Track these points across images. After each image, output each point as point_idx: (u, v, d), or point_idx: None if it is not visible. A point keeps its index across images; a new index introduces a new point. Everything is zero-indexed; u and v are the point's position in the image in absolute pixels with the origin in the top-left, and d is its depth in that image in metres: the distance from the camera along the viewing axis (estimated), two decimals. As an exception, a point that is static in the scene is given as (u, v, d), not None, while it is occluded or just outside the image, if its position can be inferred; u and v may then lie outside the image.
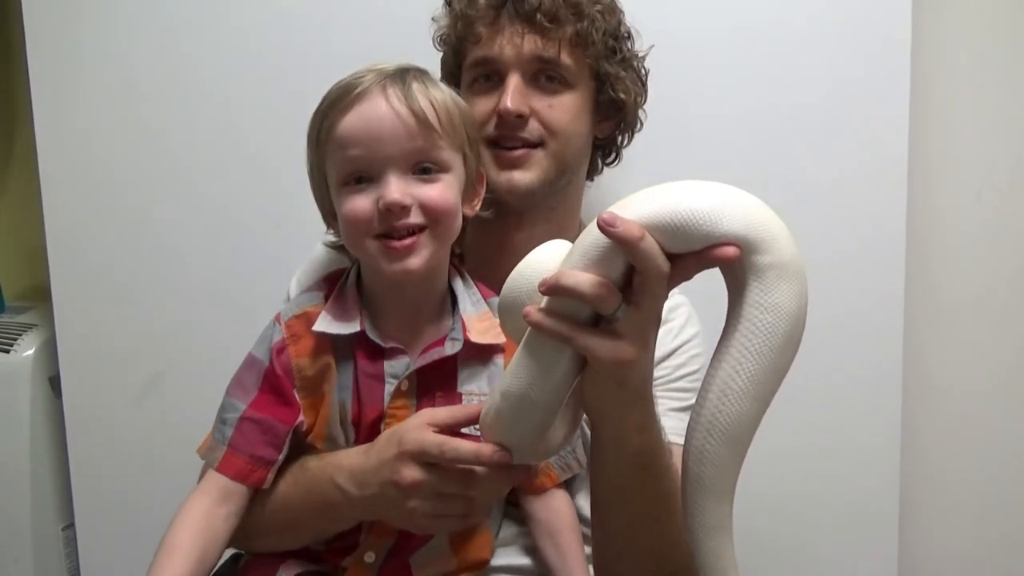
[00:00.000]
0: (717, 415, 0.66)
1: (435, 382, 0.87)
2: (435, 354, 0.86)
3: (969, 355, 1.36)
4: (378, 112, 0.81)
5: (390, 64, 0.85)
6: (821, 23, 1.24)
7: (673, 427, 0.88)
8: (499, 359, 0.88)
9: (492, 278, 0.91)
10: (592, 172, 1.08)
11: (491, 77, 0.97)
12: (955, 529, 1.40)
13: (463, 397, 0.87)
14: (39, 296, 1.56)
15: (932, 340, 1.35)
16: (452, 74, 1.03)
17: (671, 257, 0.64)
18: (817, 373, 1.19)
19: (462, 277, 0.93)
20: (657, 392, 0.80)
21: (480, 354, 0.88)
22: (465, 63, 1.00)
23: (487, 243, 0.99)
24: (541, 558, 0.91)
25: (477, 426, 0.76)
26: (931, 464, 1.38)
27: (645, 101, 1.05)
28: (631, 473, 0.78)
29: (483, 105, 0.97)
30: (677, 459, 0.82)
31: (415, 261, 0.82)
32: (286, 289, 1.06)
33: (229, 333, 1.32)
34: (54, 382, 1.46)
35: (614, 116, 1.03)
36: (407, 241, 0.82)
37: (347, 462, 0.83)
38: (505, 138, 0.96)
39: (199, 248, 1.36)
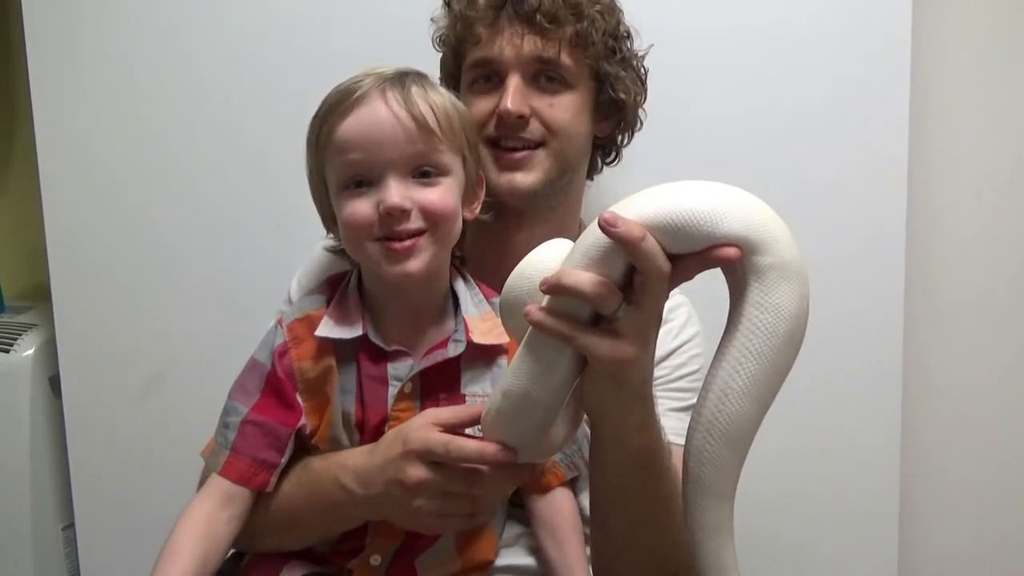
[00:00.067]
0: (717, 415, 0.66)
1: (439, 384, 0.87)
2: (438, 356, 0.86)
3: (969, 355, 1.36)
4: (378, 116, 0.81)
5: (389, 68, 0.85)
6: (821, 23, 1.24)
7: (673, 427, 0.88)
8: (503, 360, 0.88)
9: (493, 279, 0.91)
10: (592, 171, 1.08)
11: (491, 78, 0.97)
12: (955, 529, 1.40)
13: (467, 399, 0.87)
14: (39, 296, 1.55)
15: (932, 340, 1.35)
16: (451, 75, 1.03)
17: (672, 257, 0.64)
18: (817, 373, 1.19)
19: (464, 278, 0.93)
20: (657, 392, 0.80)
21: (483, 355, 0.88)
22: (465, 64, 1.00)
23: (488, 244, 0.99)
24: (542, 555, 0.91)
25: (479, 427, 0.76)
26: (931, 464, 1.38)
27: (645, 100, 1.05)
28: (631, 473, 0.78)
29: (483, 106, 0.96)
30: (677, 459, 0.81)
31: (415, 264, 0.82)
32: (286, 289, 1.06)
33: (229, 333, 1.33)
34: (54, 382, 1.46)
35: (614, 116, 1.03)
36: (408, 243, 0.82)
37: (352, 462, 0.83)
38: (506, 138, 0.96)
39: (199, 248, 1.36)
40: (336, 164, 0.84)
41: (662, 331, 0.71)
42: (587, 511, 0.89)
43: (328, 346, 0.86)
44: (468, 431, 0.79)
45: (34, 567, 1.47)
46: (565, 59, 0.95)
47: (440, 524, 0.82)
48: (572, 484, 0.92)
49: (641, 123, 1.06)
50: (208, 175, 1.35)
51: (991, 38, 1.32)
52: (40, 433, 1.47)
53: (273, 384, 0.86)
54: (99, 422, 1.41)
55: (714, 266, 0.64)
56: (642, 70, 1.04)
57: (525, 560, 0.94)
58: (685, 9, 1.24)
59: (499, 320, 0.81)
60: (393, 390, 0.86)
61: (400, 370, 0.86)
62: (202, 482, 0.89)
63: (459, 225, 0.87)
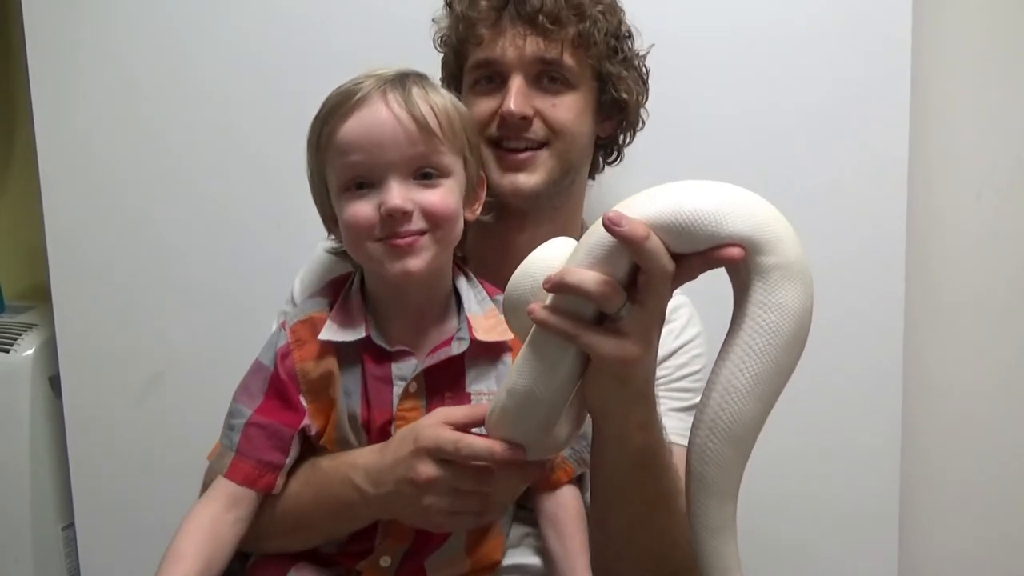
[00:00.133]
0: (720, 414, 0.66)
1: (443, 383, 0.87)
2: (442, 354, 0.86)
3: (969, 355, 1.36)
4: (379, 118, 0.82)
5: (389, 69, 0.86)
6: (821, 23, 1.24)
7: (674, 427, 0.88)
8: (507, 358, 0.88)
9: (495, 279, 0.92)
10: (593, 171, 1.08)
11: (493, 79, 0.97)
12: (955, 529, 1.40)
13: (472, 397, 0.87)
14: (39, 296, 1.55)
15: (932, 340, 1.35)
16: (453, 76, 1.03)
17: (676, 257, 0.64)
18: (817, 373, 1.19)
19: (466, 276, 0.93)
20: (658, 392, 0.80)
21: (488, 353, 0.88)
22: (467, 65, 1.00)
23: (490, 244, 0.99)
24: (546, 550, 0.91)
25: (483, 427, 0.76)
26: (931, 464, 1.38)
27: (647, 100, 1.05)
28: (632, 471, 0.78)
29: (485, 106, 0.97)
30: (677, 459, 0.82)
31: (416, 262, 0.82)
32: (286, 289, 1.06)
33: (229, 333, 1.33)
34: (54, 382, 1.46)
35: (616, 115, 1.03)
36: (409, 239, 0.82)
37: (362, 460, 0.83)
38: (508, 139, 0.96)
39: (199, 248, 1.36)
40: (337, 166, 0.84)
41: (664, 331, 0.71)
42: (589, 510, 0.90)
43: (331, 348, 0.86)
44: (475, 430, 0.79)
45: (34, 567, 1.47)
46: (568, 60, 0.95)
47: (450, 522, 0.81)
48: (579, 481, 0.92)
49: (643, 123, 1.06)
50: (208, 175, 1.35)
51: (991, 38, 1.32)
52: (40, 433, 1.47)
53: (276, 386, 0.86)
54: (99, 422, 1.41)
55: (718, 266, 0.64)
56: (644, 70, 1.05)
57: (531, 560, 0.95)
58: (685, 9, 1.24)
59: (503, 317, 0.81)
60: (398, 390, 0.86)
61: (404, 370, 0.86)
62: (205, 486, 0.89)
63: (460, 226, 0.87)
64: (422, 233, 0.82)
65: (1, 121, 1.59)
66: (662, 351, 0.91)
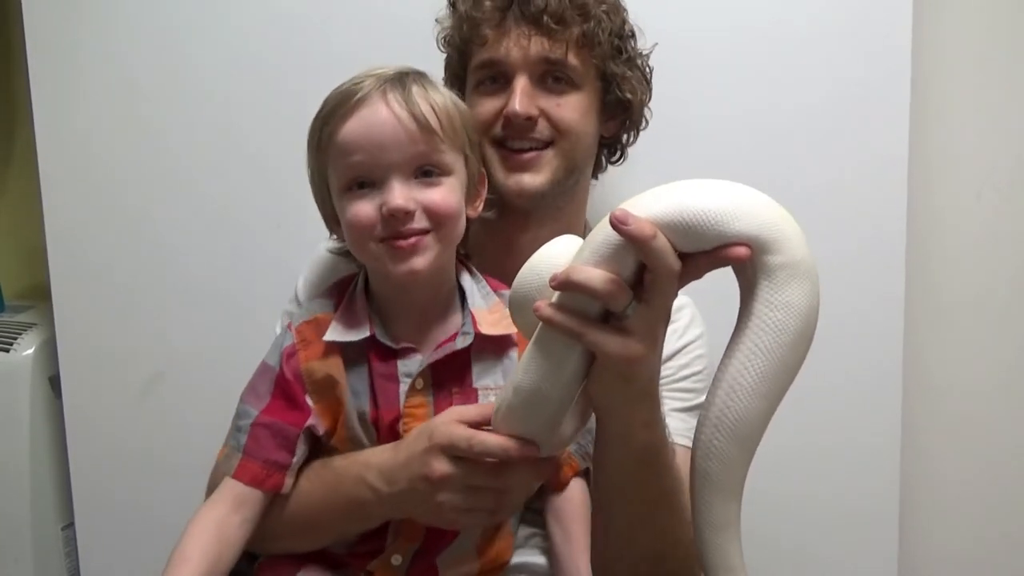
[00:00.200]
0: (725, 411, 0.66)
1: (449, 378, 0.87)
2: (447, 349, 0.86)
3: (969, 355, 1.36)
4: (379, 118, 0.82)
5: (389, 68, 0.86)
6: (821, 23, 1.24)
7: (676, 427, 0.89)
8: (513, 352, 0.88)
9: (499, 279, 0.92)
10: (597, 170, 1.08)
11: (497, 79, 0.97)
12: (955, 529, 1.40)
13: (479, 392, 0.87)
14: (39, 295, 1.55)
15: (932, 340, 1.35)
16: (457, 76, 1.03)
17: (682, 256, 0.64)
18: (817, 373, 1.18)
19: (470, 271, 0.93)
20: (661, 392, 0.80)
21: (493, 347, 0.88)
22: (471, 65, 1.00)
23: (494, 244, 0.99)
24: (549, 542, 0.91)
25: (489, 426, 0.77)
26: (931, 464, 1.38)
27: (650, 100, 1.05)
28: (635, 469, 0.78)
29: (490, 106, 0.97)
30: (678, 459, 0.82)
31: (420, 261, 0.82)
32: (286, 289, 1.06)
33: (229, 333, 1.34)
34: (54, 382, 1.46)
35: (620, 115, 1.03)
36: (412, 240, 0.82)
37: (376, 459, 0.83)
38: (513, 139, 0.96)
39: (199, 248, 1.36)
40: (339, 167, 0.84)
41: (667, 331, 0.71)
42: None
43: (336, 349, 0.87)
44: (487, 428, 0.79)
45: (34, 567, 1.47)
46: (572, 59, 0.95)
47: (464, 519, 0.81)
48: (585, 475, 0.92)
49: (647, 122, 1.06)
50: (208, 175, 1.35)
51: (991, 38, 1.32)
52: (40, 433, 1.46)
53: (282, 386, 0.87)
54: (99, 422, 1.41)
55: (724, 265, 0.64)
56: (647, 69, 1.05)
57: (537, 559, 0.95)
58: (685, 9, 1.24)
59: (508, 312, 0.81)
60: (404, 387, 0.86)
61: (410, 366, 0.86)
62: (210, 489, 0.89)
63: (463, 223, 0.87)
64: (425, 232, 0.83)
65: (1, 121, 1.59)
66: (665, 351, 0.91)
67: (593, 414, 0.78)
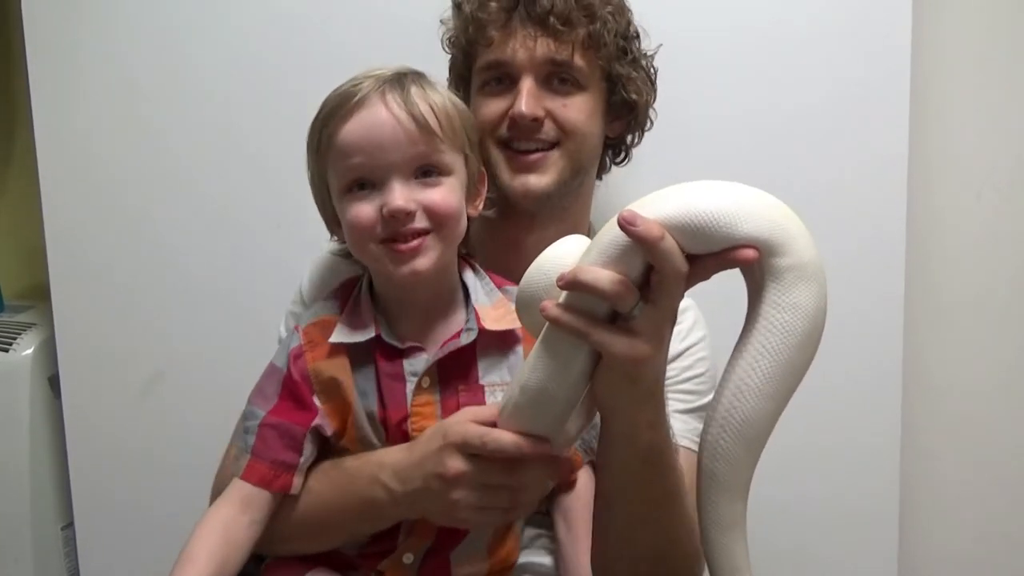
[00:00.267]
0: (732, 411, 0.66)
1: (455, 375, 0.87)
2: (452, 346, 0.86)
3: (969, 355, 1.36)
4: (379, 119, 0.82)
5: (387, 69, 0.86)
6: (821, 23, 1.24)
7: (678, 429, 0.89)
8: (518, 348, 0.88)
9: (504, 278, 0.92)
10: (601, 171, 1.08)
11: (503, 80, 0.97)
12: (955, 529, 1.40)
13: (485, 388, 0.87)
14: (39, 295, 1.55)
15: (932, 340, 1.35)
16: (462, 77, 1.03)
17: (689, 257, 0.64)
18: (817, 373, 1.18)
19: (473, 269, 0.93)
20: (664, 393, 0.81)
21: (498, 343, 0.88)
22: (476, 66, 1.00)
23: (498, 244, 0.99)
24: (555, 541, 0.91)
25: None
26: (931, 464, 1.38)
27: (655, 100, 1.05)
28: (639, 469, 0.78)
29: (495, 107, 0.96)
30: (681, 460, 0.82)
31: (423, 262, 0.83)
32: (286, 289, 1.06)
33: (229, 333, 1.34)
34: (53, 382, 1.46)
35: (626, 116, 1.03)
36: (413, 243, 0.82)
37: (389, 459, 0.83)
38: (519, 140, 0.96)
39: (199, 248, 1.36)
40: (338, 168, 0.84)
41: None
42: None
43: (342, 350, 0.87)
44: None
45: (34, 567, 1.47)
46: (578, 61, 0.95)
47: (478, 518, 0.81)
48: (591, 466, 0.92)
49: (652, 123, 1.06)
50: (208, 175, 1.35)
51: (991, 38, 1.32)
52: (40, 433, 1.47)
53: (289, 387, 0.87)
54: (99, 422, 1.41)
55: (732, 267, 0.64)
56: (652, 70, 1.05)
57: (542, 559, 0.95)
58: (685, 9, 1.24)
59: (512, 307, 0.81)
60: (410, 385, 0.86)
61: (416, 365, 0.86)
62: (216, 492, 0.89)
63: (464, 223, 0.87)
64: (426, 232, 0.83)
65: (1, 121, 1.59)
66: (669, 353, 0.91)
67: (597, 413, 0.79)
